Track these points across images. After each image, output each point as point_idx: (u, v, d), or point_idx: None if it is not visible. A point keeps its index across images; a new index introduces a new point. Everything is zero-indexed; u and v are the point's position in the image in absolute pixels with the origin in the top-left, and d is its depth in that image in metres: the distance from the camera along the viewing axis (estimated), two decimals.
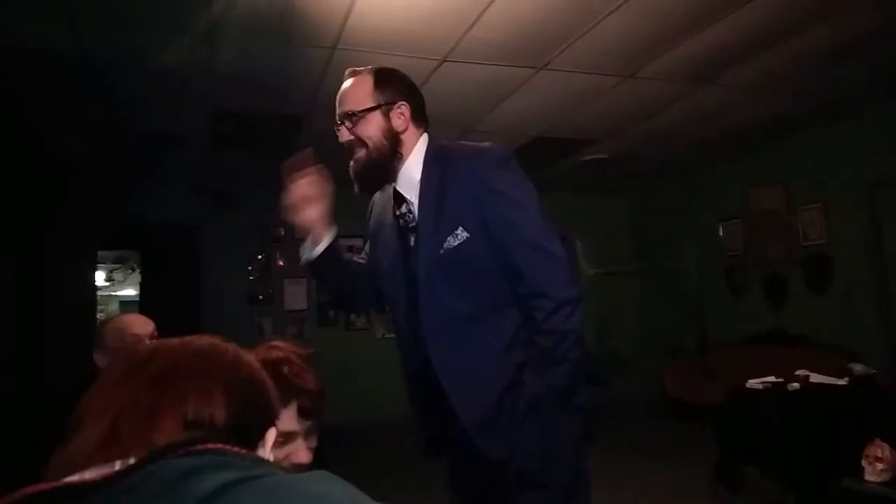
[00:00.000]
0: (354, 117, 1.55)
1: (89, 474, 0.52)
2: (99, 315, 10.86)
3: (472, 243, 1.50)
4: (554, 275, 1.49)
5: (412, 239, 1.60)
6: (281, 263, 6.68)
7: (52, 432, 0.64)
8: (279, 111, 4.51)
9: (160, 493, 0.48)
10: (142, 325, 2.08)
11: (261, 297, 6.61)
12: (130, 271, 10.18)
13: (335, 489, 0.53)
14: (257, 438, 0.66)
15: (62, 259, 5.75)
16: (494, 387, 1.51)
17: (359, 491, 0.55)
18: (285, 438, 1.16)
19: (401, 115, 1.57)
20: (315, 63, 3.69)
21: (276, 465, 0.61)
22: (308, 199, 1.59)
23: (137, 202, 6.18)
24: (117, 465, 0.51)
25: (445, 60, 3.76)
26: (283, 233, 6.62)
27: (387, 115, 1.56)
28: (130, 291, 10.80)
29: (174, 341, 0.75)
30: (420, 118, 1.62)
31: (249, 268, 6.62)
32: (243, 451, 0.57)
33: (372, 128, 1.55)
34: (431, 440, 1.69)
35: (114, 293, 12.31)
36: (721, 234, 6.64)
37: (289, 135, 5.00)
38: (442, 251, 1.51)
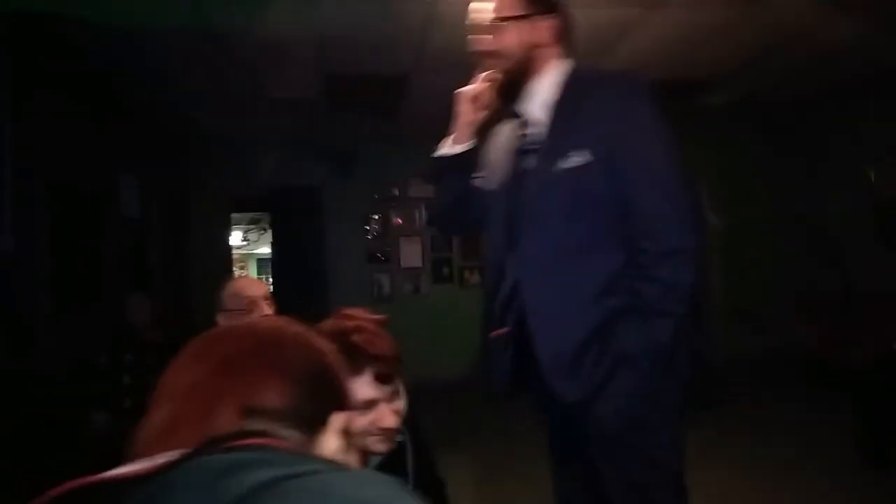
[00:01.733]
0: (500, 22, 1.51)
1: (131, 468, 0.53)
2: (240, 272, 11.85)
3: (593, 169, 1.41)
4: (669, 216, 1.39)
5: (529, 161, 1.53)
6: (399, 221, 6.85)
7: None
8: (386, 70, 4.55)
9: (196, 490, 0.48)
10: (255, 288, 2.22)
11: (379, 254, 6.81)
12: (263, 231, 10.91)
13: (379, 494, 0.51)
14: (321, 423, 0.65)
15: (203, 222, 6.34)
16: (580, 328, 1.42)
17: (406, 494, 0.52)
18: (367, 406, 1.19)
19: (547, 28, 1.52)
20: (417, 18, 3.66)
21: (324, 460, 0.60)
22: (472, 100, 1.61)
23: (266, 167, 6.51)
24: (160, 460, 0.52)
25: None
26: (398, 192, 6.76)
27: (533, 27, 1.51)
28: (265, 250, 11.60)
29: (243, 325, 0.77)
30: (565, 39, 1.56)
31: (367, 227, 6.82)
32: (288, 447, 0.57)
33: (513, 36, 1.50)
34: (506, 378, 1.57)
35: (251, 252, 13.33)
36: (871, 176, 5.92)
37: (399, 92, 5.04)
38: (560, 172, 1.43)
